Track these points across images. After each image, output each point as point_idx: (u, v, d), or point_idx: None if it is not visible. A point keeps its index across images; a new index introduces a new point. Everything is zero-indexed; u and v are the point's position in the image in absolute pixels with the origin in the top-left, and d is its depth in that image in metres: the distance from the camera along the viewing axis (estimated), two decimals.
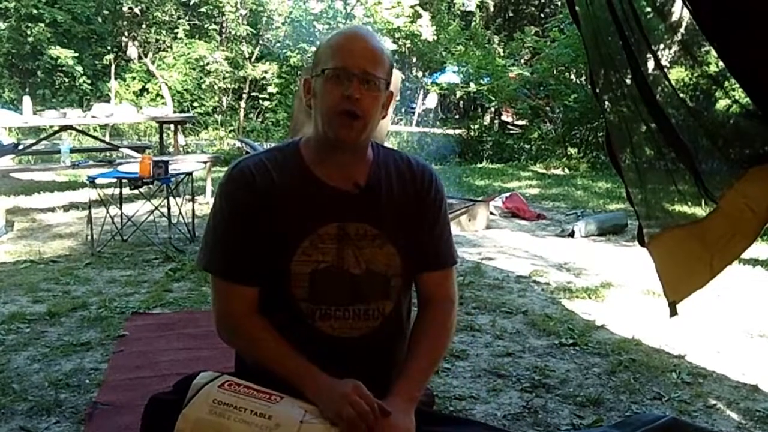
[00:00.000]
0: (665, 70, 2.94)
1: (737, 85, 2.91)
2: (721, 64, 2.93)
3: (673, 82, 2.95)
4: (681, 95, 3.04)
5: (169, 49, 17.71)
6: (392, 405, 1.62)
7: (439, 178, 1.92)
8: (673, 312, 2.87)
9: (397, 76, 9.60)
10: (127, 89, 17.25)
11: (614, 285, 5.57)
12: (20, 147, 9.52)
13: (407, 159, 1.91)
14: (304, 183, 1.77)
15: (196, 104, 17.08)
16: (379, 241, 1.78)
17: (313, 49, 16.20)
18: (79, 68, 16.51)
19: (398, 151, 1.96)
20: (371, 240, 1.77)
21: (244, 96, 17.22)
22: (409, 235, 1.82)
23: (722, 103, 3.10)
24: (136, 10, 17.27)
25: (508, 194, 8.98)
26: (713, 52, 2.99)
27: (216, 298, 1.86)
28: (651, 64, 2.95)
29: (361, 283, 1.77)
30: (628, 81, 3.04)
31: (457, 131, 16.21)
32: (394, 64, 1.83)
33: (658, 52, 3.05)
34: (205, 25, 17.68)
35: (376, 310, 1.80)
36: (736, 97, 2.92)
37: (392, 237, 1.79)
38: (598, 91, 3.20)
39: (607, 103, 3.39)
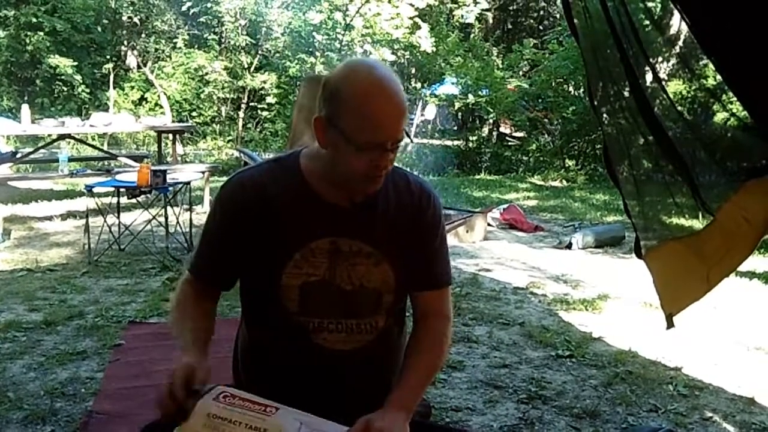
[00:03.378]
0: (663, 83, 2.95)
1: (735, 99, 2.92)
2: (718, 77, 2.95)
3: (671, 95, 2.97)
4: (679, 108, 3.05)
5: (168, 59, 17.73)
6: (387, 416, 1.61)
7: (437, 197, 1.91)
8: (670, 324, 2.87)
9: None
10: (125, 98, 17.27)
11: (611, 297, 5.57)
12: (18, 155, 9.52)
13: (406, 176, 1.89)
14: (300, 196, 1.76)
15: (194, 114, 17.10)
16: (374, 258, 1.77)
17: (312, 60, 16.32)
18: (78, 77, 16.52)
19: (397, 167, 1.93)
20: (366, 257, 1.76)
21: (243, 106, 17.24)
22: (404, 253, 1.80)
23: (720, 117, 3.12)
24: (136, 20, 17.32)
25: (505, 206, 8.99)
26: (711, 66, 3.01)
27: (179, 280, 1.91)
28: (649, 77, 2.96)
29: (353, 298, 1.77)
30: (626, 93, 3.05)
31: (456, 143, 16.24)
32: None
33: (656, 65, 3.07)
34: (205, 35, 17.70)
35: (369, 324, 1.80)
36: (734, 111, 2.93)
37: (387, 255, 1.78)
38: (596, 103, 3.21)
39: (605, 115, 3.40)
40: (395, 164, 1.93)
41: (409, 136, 1.91)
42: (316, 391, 1.73)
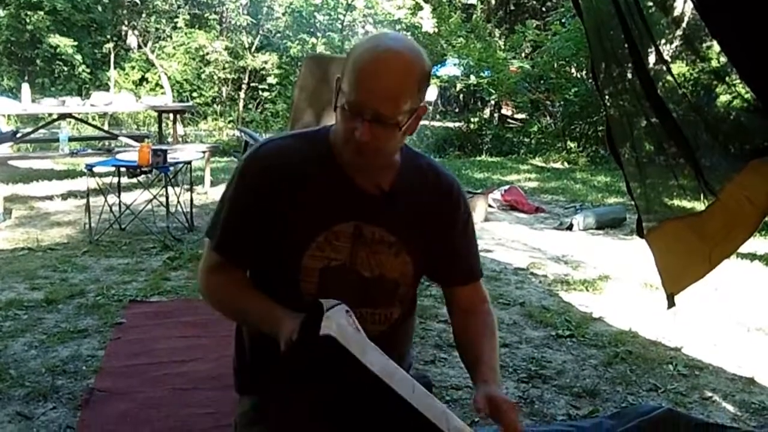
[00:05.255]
0: (667, 64, 2.94)
1: (738, 81, 2.91)
2: (722, 59, 2.94)
3: (675, 75, 2.95)
4: (682, 90, 3.04)
5: (168, 39, 17.63)
6: (487, 388, 1.64)
7: (463, 191, 1.89)
8: (671, 303, 2.87)
9: None
10: (126, 78, 17.19)
11: (612, 278, 5.58)
12: (19, 135, 9.50)
13: (435, 169, 1.84)
14: (328, 177, 1.71)
15: (195, 94, 17.02)
16: (395, 248, 1.73)
17: (314, 40, 16.24)
18: (79, 57, 16.43)
19: (427, 158, 1.89)
20: (387, 246, 1.73)
21: (244, 86, 17.18)
22: (427, 246, 1.78)
23: (723, 99, 3.11)
24: None
25: (507, 187, 8.97)
26: (715, 47, 2.99)
27: (204, 260, 1.82)
28: (652, 59, 2.95)
29: (371, 286, 1.73)
30: (630, 75, 3.04)
31: (457, 124, 16.19)
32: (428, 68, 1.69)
33: (660, 47, 3.05)
34: (205, 15, 17.60)
35: (384, 315, 1.76)
36: (738, 92, 2.92)
37: (409, 246, 1.75)
38: (599, 84, 3.20)
39: (607, 96, 3.39)
40: (425, 155, 1.89)
41: (399, 126, 1.75)
42: (324, 378, 1.67)
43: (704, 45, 3.17)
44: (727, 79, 3.00)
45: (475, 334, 1.82)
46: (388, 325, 1.78)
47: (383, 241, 1.72)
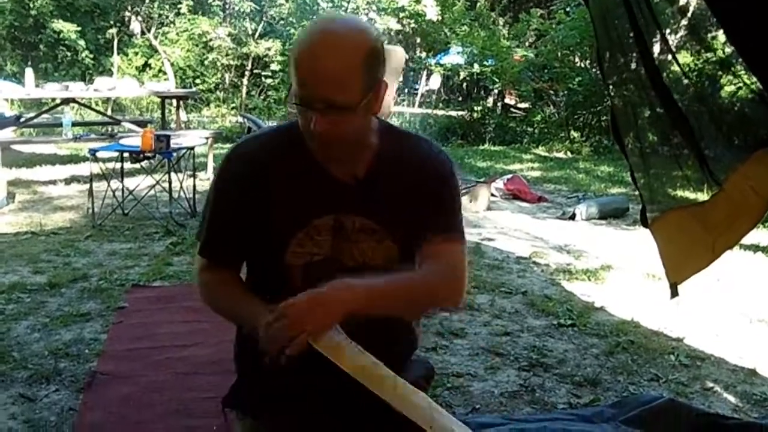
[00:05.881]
0: (672, 54, 2.93)
1: (744, 71, 2.90)
2: (727, 50, 2.92)
3: (679, 67, 2.95)
4: (686, 80, 3.03)
5: (171, 25, 17.58)
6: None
7: (453, 169, 1.79)
8: (674, 293, 2.87)
9: (401, 55, 9.45)
10: (129, 64, 17.16)
11: (614, 268, 5.57)
12: (22, 119, 9.49)
13: (420, 148, 1.77)
14: (305, 171, 1.67)
15: (198, 81, 16.98)
16: (378, 235, 1.69)
17: None
18: (82, 42, 16.40)
19: (414, 136, 1.82)
20: (370, 234, 1.69)
21: (247, 73, 17.13)
22: (410, 227, 1.70)
23: (727, 90, 3.10)
24: None
25: (509, 176, 8.96)
26: (720, 38, 2.98)
27: (196, 260, 1.82)
28: (657, 49, 2.94)
29: (356, 276, 1.65)
30: (634, 65, 3.03)
31: (460, 113, 16.14)
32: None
33: (666, 36, 3.04)
34: (209, 1, 17.55)
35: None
36: (745, 82, 2.91)
37: (392, 231, 1.70)
38: (604, 73, 3.19)
39: (612, 86, 3.38)
40: (414, 133, 1.85)
41: (353, 109, 1.57)
42: (319, 371, 1.65)
43: (709, 35, 3.16)
44: (732, 69, 2.99)
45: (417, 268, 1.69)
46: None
47: (365, 229, 1.69)
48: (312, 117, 1.53)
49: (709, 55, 3.09)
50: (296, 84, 1.53)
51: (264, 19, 17.17)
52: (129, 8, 17.66)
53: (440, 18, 16.65)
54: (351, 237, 1.69)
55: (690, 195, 2.94)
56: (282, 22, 17.17)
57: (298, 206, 1.67)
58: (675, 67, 3.00)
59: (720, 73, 3.08)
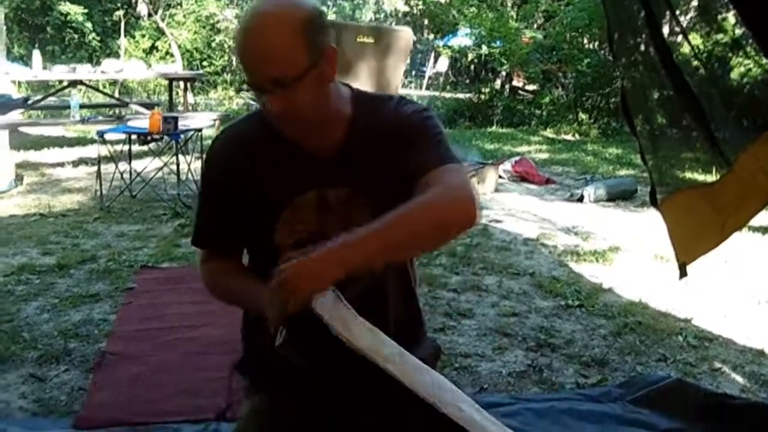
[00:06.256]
0: (685, 35, 2.91)
1: (755, 53, 2.88)
2: (738, 31, 2.91)
3: (688, 49, 2.93)
4: (696, 62, 3.02)
5: (179, 7, 17.56)
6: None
7: (426, 110, 1.72)
8: (683, 273, 2.87)
9: (408, 36, 9.41)
10: (136, 47, 17.15)
11: (622, 249, 5.56)
12: (29, 102, 9.50)
13: (391, 105, 1.71)
14: (281, 151, 1.66)
15: (205, 63, 16.98)
16: (360, 201, 1.67)
17: (323, 8, 16.11)
18: (89, 25, 16.41)
19: (386, 96, 1.78)
20: (353, 203, 1.67)
21: None
22: (393, 187, 1.61)
23: (737, 72, 3.08)
24: None
25: (517, 158, 8.93)
26: (730, 19, 2.97)
27: (198, 259, 1.83)
28: (667, 30, 2.93)
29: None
30: (643, 48, 3.02)
31: (468, 95, 16.09)
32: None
33: (677, 17, 3.03)
34: None
35: (360, 275, 1.59)
36: (757, 62, 2.90)
37: (374, 195, 1.66)
38: (614, 54, 3.18)
39: (621, 67, 3.36)
40: (392, 95, 1.81)
41: (300, 80, 1.34)
42: (321, 344, 1.64)
43: (719, 16, 3.15)
44: (743, 50, 2.98)
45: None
46: (371, 279, 1.66)
47: (349, 199, 1.67)
48: (265, 100, 1.53)
49: (719, 36, 3.07)
50: (243, 71, 1.54)
51: None
52: None
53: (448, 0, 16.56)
54: (336, 209, 1.67)
55: (699, 177, 2.93)
56: None
57: (279, 187, 1.67)
58: (684, 49, 2.99)
59: (730, 55, 3.07)
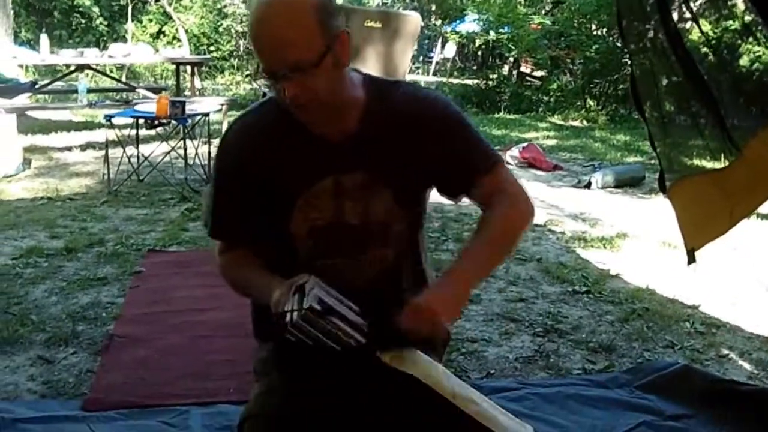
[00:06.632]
0: (692, 21, 2.90)
1: (765, 39, 2.86)
2: (747, 18, 2.89)
3: (697, 36, 2.92)
4: (705, 49, 3.00)
5: None
6: (434, 290, 1.62)
7: (449, 103, 1.75)
8: (691, 259, 2.87)
9: (416, 21, 9.35)
10: (143, 31, 17.13)
11: (630, 236, 5.55)
12: (37, 86, 9.51)
13: (408, 92, 1.74)
14: (296, 138, 1.65)
15: (212, 48, 16.93)
16: (376, 187, 1.68)
17: None
18: (96, 9, 16.40)
19: (400, 82, 1.80)
20: (370, 189, 1.68)
21: None
22: (410, 177, 1.70)
23: (746, 59, 3.07)
24: None
25: (525, 144, 8.90)
26: (740, 5, 2.95)
27: (215, 250, 1.82)
28: (676, 16, 2.91)
29: (360, 233, 1.69)
30: (651, 34, 3.00)
31: (475, 81, 16.03)
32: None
33: (685, 4, 3.01)
34: None
35: (376, 259, 1.73)
36: (766, 49, 2.88)
37: (389, 182, 1.68)
38: (624, 40, 3.16)
39: (630, 54, 3.34)
40: (408, 82, 1.83)
41: (317, 65, 1.34)
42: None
43: (729, 2, 3.13)
44: (751, 38, 2.96)
45: (481, 221, 1.72)
46: (380, 268, 1.73)
47: (366, 185, 1.68)
48: (280, 87, 1.53)
49: (729, 23, 3.06)
50: (257, 57, 1.54)
51: None
52: None
53: None
54: (352, 195, 1.68)
55: (707, 164, 2.91)
56: None
57: (294, 174, 1.67)
58: (693, 36, 2.97)
59: (739, 42, 3.05)
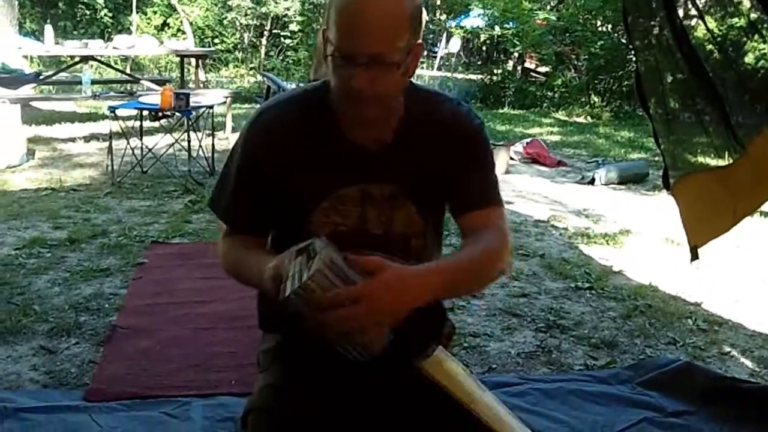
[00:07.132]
0: (698, 18, 2.89)
1: None
2: (752, 15, 2.88)
3: (703, 33, 2.91)
4: (710, 46, 3.00)
5: None
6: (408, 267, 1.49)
7: (481, 126, 1.75)
8: (695, 256, 2.86)
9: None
10: (148, 23, 17.10)
11: (633, 232, 5.54)
12: (41, 77, 9.50)
13: (447, 107, 1.72)
14: (329, 138, 1.63)
15: (217, 41, 16.89)
16: (400, 199, 1.66)
17: None
18: (101, 0, 16.36)
19: (440, 94, 1.77)
20: (393, 200, 1.66)
21: (266, 33, 17.02)
22: (434, 189, 1.69)
23: (751, 56, 3.06)
24: None
25: (528, 140, 8.90)
26: (746, 2, 2.94)
27: (220, 229, 1.79)
28: (681, 13, 2.90)
29: (381, 244, 1.65)
30: (657, 30, 2.99)
31: (480, 76, 16.00)
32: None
33: (691, 1, 3.00)
34: None
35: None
36: None
37: (414, 196, 1.67)
38: (630, 36, 3.15)
39: (635, 50, 3.33)
40: (445, 93, 1.80)
41: (397, 66, 1.30)
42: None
43: (735, 0, 3.12)
44: (757, 35, 2.95)
45: (468, 243, 1.67)
46: (397, 259, 1.66)
47: (389, 195, 1.66)
48: (353, 73, 1.47)
49: (734, 20, 3.05)
50: (339, 36, 1.46)
51: None
52: None
53: None
54: (378, 205, 1.66)
55: (711, 161, 2.91)
56: None
57: (322, 175, 1.63)
58: (698, 33, 2.97)
59: (745, 39, 3.04)
